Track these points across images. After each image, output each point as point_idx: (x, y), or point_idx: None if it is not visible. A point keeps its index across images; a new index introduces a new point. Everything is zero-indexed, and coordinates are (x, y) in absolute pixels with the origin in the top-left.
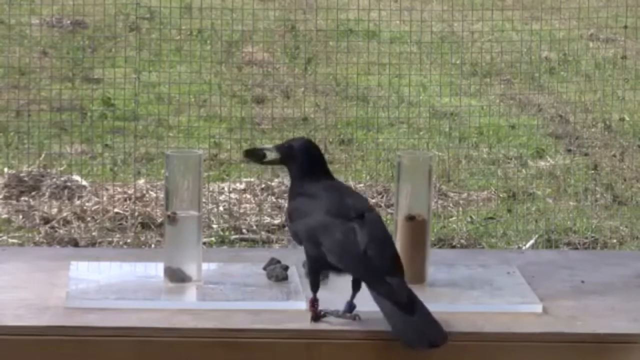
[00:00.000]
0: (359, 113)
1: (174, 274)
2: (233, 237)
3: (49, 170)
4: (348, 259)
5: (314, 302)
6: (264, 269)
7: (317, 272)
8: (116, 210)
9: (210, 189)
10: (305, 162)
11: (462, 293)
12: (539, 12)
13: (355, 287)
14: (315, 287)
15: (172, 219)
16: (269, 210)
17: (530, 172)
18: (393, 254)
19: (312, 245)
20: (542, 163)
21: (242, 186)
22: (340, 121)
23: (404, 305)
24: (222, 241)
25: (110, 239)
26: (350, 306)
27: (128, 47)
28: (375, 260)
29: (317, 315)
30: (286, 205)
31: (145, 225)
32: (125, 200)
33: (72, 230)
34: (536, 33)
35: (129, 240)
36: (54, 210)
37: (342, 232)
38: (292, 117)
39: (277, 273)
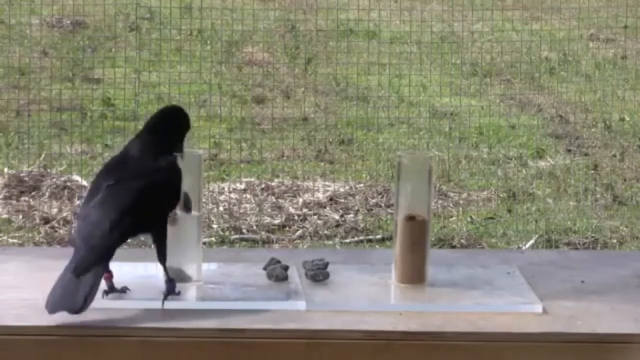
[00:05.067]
0: (359, 113)
1: (174, 274)
2: (233, 237)
3: (49, 170)
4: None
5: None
6: (264, 269)
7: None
8: None
9: (210, 189)
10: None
11: (462, 293)
12: (539, 12)
13: (161, 261)
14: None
15: (172, 218)
16: (269, 210)
17: (530, 172)
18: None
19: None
20: (542, 163)
21: (242, 186)
22: (340, 121)
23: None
24: (222, 241)
25: None
26: (172, 285)
27: (128, 47)
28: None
29: (111, 289)
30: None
31: None
32: None
33: (72, 230)
34: (536, 33)
35: (129, 240)
36: (54, 210)
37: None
38: (292, 117)
39: (277, 273)
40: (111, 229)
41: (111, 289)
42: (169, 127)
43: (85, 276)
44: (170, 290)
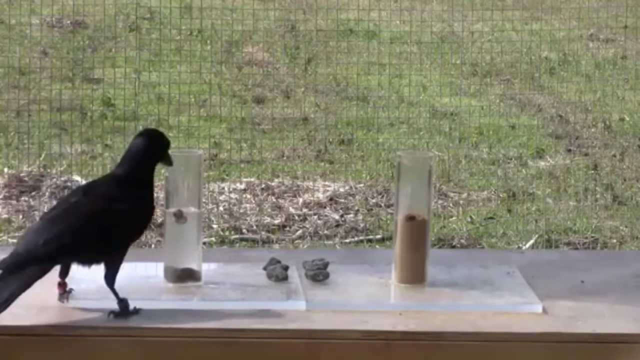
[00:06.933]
0: (359, 113)
1: (175, 273)
2: (233, 237)
3: (49, 170)
4: None
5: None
6: (264, 269)
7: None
8: None
9: (210, 189)
10: None
11: (462, 293)
12: (539, 12)
13: (109, 284)
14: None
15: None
16: (269, 210)
17: (530, 172)
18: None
19: None
20: (542, 163)
21: (242, 186)
22: (340, 121)
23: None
24: (222, 241)
25: None
26: (124, 303)
27: (128, 47)
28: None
29: (63, 293)
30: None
31: None
32: None
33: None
34: (536, 33)
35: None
36: None
37: None
38: (292, 117)
39: (277, 273)
40: (52, 239)
41: (60, 296)
42: (145, 152)
43: (16, 274)
44: (123, 309)
